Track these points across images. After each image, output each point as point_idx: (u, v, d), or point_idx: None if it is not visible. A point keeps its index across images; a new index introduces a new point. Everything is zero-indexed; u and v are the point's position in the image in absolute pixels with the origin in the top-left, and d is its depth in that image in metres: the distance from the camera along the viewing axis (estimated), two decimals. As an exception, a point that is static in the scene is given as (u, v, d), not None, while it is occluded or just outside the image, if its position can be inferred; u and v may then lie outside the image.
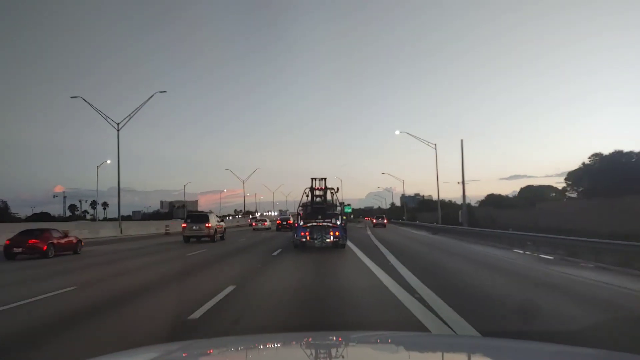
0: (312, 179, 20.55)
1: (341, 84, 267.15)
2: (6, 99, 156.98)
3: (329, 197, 20.79)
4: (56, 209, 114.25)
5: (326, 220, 18.48)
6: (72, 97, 35.70)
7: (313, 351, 2.21)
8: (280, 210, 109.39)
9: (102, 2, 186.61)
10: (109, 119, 37.19)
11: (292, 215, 53.86)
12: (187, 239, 26.04)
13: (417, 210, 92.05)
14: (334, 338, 2.63)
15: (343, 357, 2.11)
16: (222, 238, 28.37)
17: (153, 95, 33.90)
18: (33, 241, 17.30)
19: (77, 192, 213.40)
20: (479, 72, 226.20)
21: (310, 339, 2.51)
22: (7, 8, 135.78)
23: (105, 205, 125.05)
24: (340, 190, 21.77)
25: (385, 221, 59.51)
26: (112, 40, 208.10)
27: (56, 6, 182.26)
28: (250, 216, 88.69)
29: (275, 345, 2.35)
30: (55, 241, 17.99)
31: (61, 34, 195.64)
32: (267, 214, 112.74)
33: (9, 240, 17.33)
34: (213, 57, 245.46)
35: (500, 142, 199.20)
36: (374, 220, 61.84)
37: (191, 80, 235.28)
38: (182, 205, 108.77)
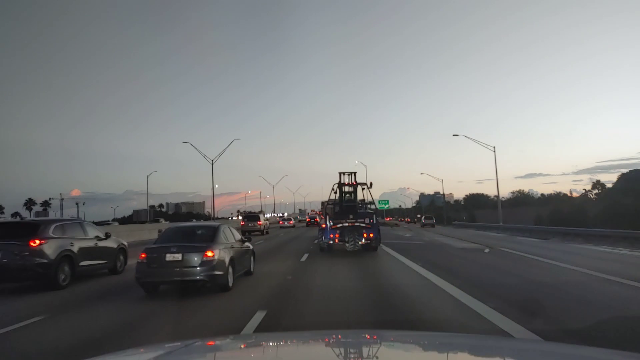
0: (340, 173, 18.03)
1: (349, 86, 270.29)
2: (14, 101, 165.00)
3: (360, 194, 19.00)
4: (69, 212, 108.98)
5: (359, 220, 16.34)
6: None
7: (315, 350, 2.22)
8: (300, 210, 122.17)
9: (107, 9, 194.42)
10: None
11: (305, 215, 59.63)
12: (244, 233, 35.76)
13: (463, 209, 77.13)
14: (339, 337, 2.57)
15: (346, 356, 2.09)
16: (267, 232, 34.97)
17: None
18: None
19: (93, 195, 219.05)
20: (491, 70, 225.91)
21: (314, 339, 2.50)
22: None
23: (46, 205, 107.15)
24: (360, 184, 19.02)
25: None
26: (120, 45, 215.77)
27: (64, 12, 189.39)
28: (279, 215, 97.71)
29: (278, 344, 2.33)
30: None
31: (70, 39, 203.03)
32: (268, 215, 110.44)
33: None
34: (220, 61, 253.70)
35: (514, 140, 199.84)
36: (413, 221, 62.57)
37: (199, 84, 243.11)
38: (153, 207, 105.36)
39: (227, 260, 9.20)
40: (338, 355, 2.14)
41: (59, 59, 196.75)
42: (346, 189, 18.02)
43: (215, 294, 8.76)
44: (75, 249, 10.31)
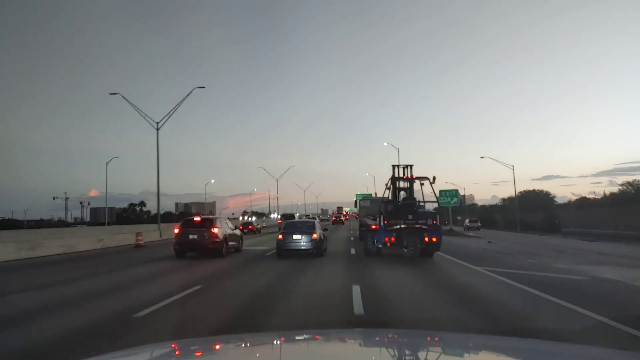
0: (393, 166, 16.08)
1: (351, 86, 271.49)
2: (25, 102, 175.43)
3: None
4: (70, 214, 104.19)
5: (420, 221, 14.67)
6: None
7: (317, 350, 2.28)
8: (322, 210, 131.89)
9: (106, 7, 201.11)
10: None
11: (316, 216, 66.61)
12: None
13: (528, 210, 60.02)
14: (340, 337, 2.63)
15: (347, 356, 2.18)
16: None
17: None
18: (250, 227, 39.23)
19: (110, 195, 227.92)
20: (503, 68, 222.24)
21: (313, 337, 2.57)
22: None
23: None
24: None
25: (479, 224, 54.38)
26: (120, 45, 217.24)
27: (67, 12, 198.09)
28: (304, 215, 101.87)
29: (277, 343, 2.38)
30: (254, 227, 39.67)
31: (82, 37, 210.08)
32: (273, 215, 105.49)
33: (242, 225, 37.98)
34: (219, 61, 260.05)
35: (530, 141, 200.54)
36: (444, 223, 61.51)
37: (204, 82, 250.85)
38: (134, 205, 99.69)
39: (321, 239, 16.31)
40: (339, 355, 2.19)
41: (63, 58, 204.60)
42: (401, 184, 16.00)
43: (315, 258, 15.71)
44: (227, 234, 17.39)
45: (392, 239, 14.69)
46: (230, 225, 18.82)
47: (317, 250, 16.02)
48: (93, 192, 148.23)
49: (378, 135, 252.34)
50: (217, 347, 2.26)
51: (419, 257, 14.93)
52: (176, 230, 16.88)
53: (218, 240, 16.44)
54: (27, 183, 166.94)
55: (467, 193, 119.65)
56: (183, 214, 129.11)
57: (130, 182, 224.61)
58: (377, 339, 2.49)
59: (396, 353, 2.14)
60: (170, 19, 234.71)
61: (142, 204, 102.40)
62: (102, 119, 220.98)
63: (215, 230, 16.45)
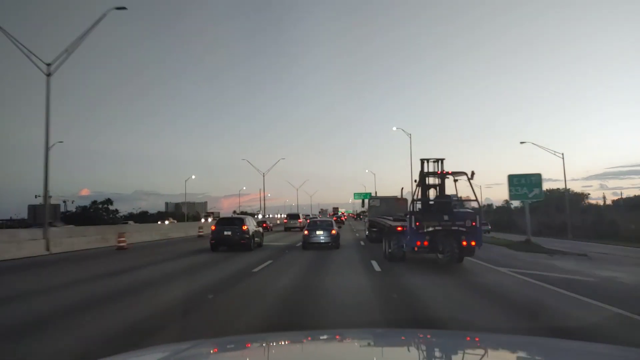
0: (422, 160, 14.21)
1: (346, 85, 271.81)
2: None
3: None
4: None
5: (457, 223, 12.79)
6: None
7: (317, 350, 2.30)
8: (322, 210, 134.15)
9: (105, 6, 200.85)
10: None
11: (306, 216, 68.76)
12: (287, 229, 41.37)
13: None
14: (341, 337, 2.64)
15: (347, 356, 2.20)
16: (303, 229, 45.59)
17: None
18: (264, 224, 40.44)
19: (101, 194, 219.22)
20: (498, 71, 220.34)
21: (317, 339, 2.58)
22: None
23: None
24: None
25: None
26: (117, 44, 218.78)
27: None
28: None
29: (280, 345, 2.40)
30: (268, 226, 42.67)
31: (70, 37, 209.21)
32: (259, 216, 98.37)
33: (265, 223, 40.88)
34: (219, 60, 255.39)
35: (522, 145, 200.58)
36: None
37: (200, 83, 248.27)
38: (95, 202, 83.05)
39: (338, 235, 19.14)
40: (339, 355, 2.21)
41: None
42: (431, 180, 14.12)
43: (333, 250, 18.49)
44: (253, 231, 19.89)
45: (425, 243, 12.78)
46: (255, 222, 21.30)
47: (335, 243, 19.08)
48: (85, 192, 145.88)
49: (375, 135, 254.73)
50: (220, 348, 2.31)
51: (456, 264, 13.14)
52: (212, 227, 19.62)
53: (248, 236, 19.00)
54: (26, 182, 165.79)
55: (463, 195, 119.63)
56: (162, 214, 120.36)
57: (123, 182, 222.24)
58: (403, 338, 2.53)
59: (399, 353, 2.21)
60: (167, 20, 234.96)
61: (109, 201, 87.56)
62: (103, 118, 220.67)
63: (246, 227, 18.98)
